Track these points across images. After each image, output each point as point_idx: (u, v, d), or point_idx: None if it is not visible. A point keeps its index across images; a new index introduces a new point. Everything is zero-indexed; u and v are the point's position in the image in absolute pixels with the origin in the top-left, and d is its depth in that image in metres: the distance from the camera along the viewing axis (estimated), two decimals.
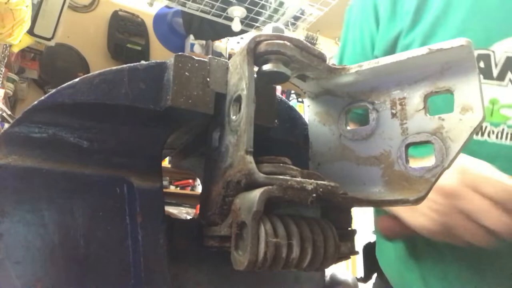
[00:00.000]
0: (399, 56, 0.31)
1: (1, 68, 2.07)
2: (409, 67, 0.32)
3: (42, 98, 0.29)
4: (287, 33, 0.29)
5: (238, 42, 3.04)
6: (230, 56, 3.08)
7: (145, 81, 0.30)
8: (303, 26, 2.45)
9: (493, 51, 0.59)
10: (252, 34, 2.38)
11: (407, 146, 0.32)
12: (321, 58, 0.32)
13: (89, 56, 3.42)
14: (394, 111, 0.33)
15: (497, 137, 0.57)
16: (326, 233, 0.27)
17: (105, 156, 0.30)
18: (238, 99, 0.29)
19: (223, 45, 3.12)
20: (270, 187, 0.25)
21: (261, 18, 2.32)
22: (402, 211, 0.51)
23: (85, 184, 0.29)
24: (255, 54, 0.29)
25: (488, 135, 0.58)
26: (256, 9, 2.25)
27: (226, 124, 0.30)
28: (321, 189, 0.26)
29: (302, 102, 3.30)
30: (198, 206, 0.35)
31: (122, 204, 0.30)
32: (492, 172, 0.46)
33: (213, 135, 0.32)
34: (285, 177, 0.26)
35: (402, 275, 0.65)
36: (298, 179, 0.26)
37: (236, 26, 2.28)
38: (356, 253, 0.29)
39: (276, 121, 0.34)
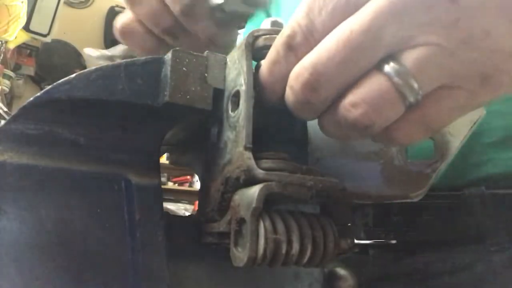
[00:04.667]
0: None
1: None
2: None
3: (38, 94, 0.29)
4: None
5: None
6: None
7: (142, 77, 0.30)
8: None
9: None
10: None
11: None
12: None
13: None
14: None
15: None
16: (325, 229, 0.27)
17: (103, 153, 0.30)
18: (237, 95, 0.29)
19: None
20: (269, 183, 0.25)
21: None
22: None
23: (82, 181, 0.29)
24: (254, 49, 0.29)
25: None
26: None
27: (224, 120, 0.30)
28: (320, 185, 0.26)
29: None
30: (197, 202, 0.35)
31: (120, 201, 0.30)
32: None
33: (211, 131, 0.32)
34: (284, 173, 0.26)
35: None
36: (298, 175, 0.26)
37: None
38: (356, 249, 0.29)
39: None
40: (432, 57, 0.24)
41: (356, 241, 0.50)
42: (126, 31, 0.44)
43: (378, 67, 0.24)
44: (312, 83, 0.25)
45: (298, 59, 0.26)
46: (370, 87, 0.25)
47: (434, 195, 0.45)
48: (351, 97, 0.25)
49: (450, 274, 0.46)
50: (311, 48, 0.26)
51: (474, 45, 0.24)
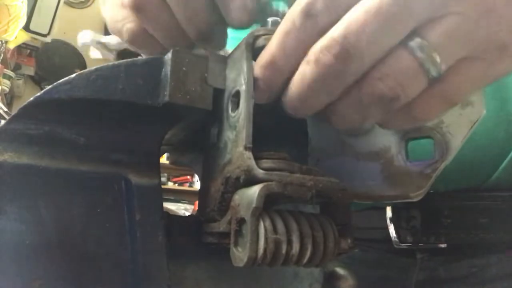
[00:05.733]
0: None
1: None
2: None
3: (38, 94, 0.29)
4: None
5: None
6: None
7: (142, 77, 0.30)
8: None
9: None
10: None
11: (407, 141, 0.32)
12: None
13: (85, 52, 3.40)
14: None
15: None
16: (325, 229, 0.27)
17: (102, 153, 0.30)
18: (237, 95, 0.29)
19: None
20: (269, 183, 0.25)
21: None
22: None
23: (82, 181, 0.29)
24: (254, 49, 0.29)
25: None
26: None
27: (224, 119, 0.30)
28: (320, 185, 0.26)
29: None
30: (197, 202, 0.35)
31: (120, 201, 0.30)
32: None
33: (211, 131, 0.32)
34: (284, 173, 0.26)
35: None
36: (298, 175, 0.26)
37: None
38: (356, 248, 0.29)
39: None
40: (456, 29, 0.24)
41: (402, 245, 0.49)
42: (137, 41, 0.38)
43: (403, 42, 0.24)
44: (344, 55, 0.24)
45: (318, 28, 0.25)
46: (396, 62, 0.25)
47: (490, 196, 0.45)
48: (377, 73, 0.25)
49: (510, 278, 0.45)
50: (332, 16, 0.25)
51: (497, 13, 0.24)
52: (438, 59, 0.24)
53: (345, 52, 0.24)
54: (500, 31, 0.25)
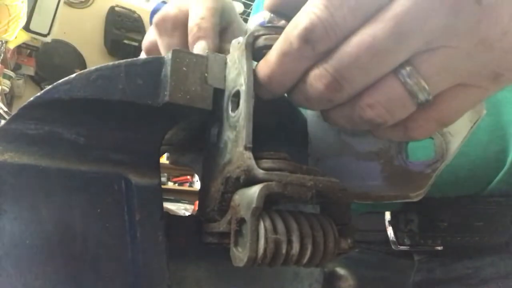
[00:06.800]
0: None
1: None
2: None
3: (38, 94, 0.29)
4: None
5: None
6: None
7: (142, 77, 0.30)
8: None
9: None
10: None
11: (407, 141, 0.32)
12: None
13: (85, 52, 3.41)
14: None
15: None
16: (325, 229, 0.27)
17: (103, 153, 0.30)
18: (237, 95, 0.29)
19: None
20: (269, 183, 0.25)
21: None
22: None
23: (82, 181, 0.29)
24: (254, 49, 0.29)
25: None
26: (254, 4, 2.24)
27: (224, 119, 0.30)
28: (320, 185, 0.26)
29: None
30: (197, 202, 0.35)
31: (120, 201, 0.30)
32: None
33: (211, 131, 0.32)
34: (284, 173, 0.26)
35: None
36: (298, 175, 0.26)
37: None
38: (356, 248, 0.29)
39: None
40: (448, 60, 0.24)
41: (400, 247, 0.50)
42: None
43: (395, 70, 0.25)
44: (335, 85, 0.26)
45: (315, 53, 0.25)
46: (386, 91, 0.25)
47: (485, 201, 0.46)
48: (368, 99, 0.26)
49: (504, 278, 0.46)
50: (330, 43, 0.25)
51: (490, 46, 0.24)
52: (427, 87, 0.25)
53: (336, 82, 0.25)
54: (493, 62, 0.25)
